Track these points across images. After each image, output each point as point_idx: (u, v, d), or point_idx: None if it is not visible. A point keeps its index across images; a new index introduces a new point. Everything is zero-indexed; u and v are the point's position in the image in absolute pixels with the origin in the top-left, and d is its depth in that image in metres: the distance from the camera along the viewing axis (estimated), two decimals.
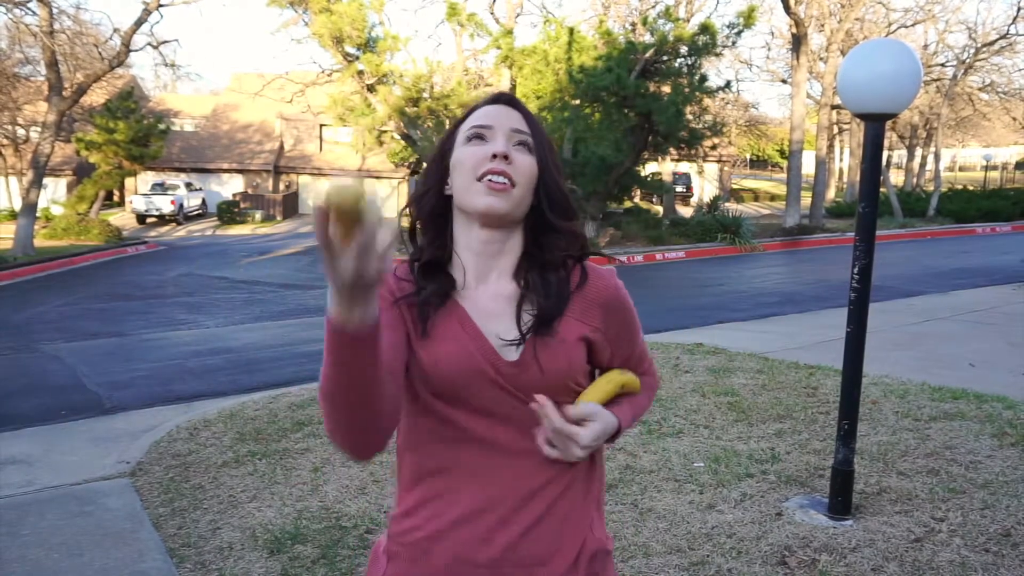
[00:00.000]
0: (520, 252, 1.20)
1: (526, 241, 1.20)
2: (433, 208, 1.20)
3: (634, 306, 1.28)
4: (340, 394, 0.95)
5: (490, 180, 1.13)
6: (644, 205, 25.64)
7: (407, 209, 1.25)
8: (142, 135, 23.14)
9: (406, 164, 31.91)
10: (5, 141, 25.87)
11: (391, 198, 34.39)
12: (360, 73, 18.62)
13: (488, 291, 1.18)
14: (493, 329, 1.15)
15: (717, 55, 18.12)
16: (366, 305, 0.88)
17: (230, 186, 33.25)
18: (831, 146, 33.54)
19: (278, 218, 31.52)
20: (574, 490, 1.18)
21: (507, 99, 1.21)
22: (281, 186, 34.06)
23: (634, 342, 1.28)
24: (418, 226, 1.24)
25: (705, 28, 16.90)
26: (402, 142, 21.99)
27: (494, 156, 1.13)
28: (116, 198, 32.82)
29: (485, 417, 1.14)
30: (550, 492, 1.16)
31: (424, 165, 1.20)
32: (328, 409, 0.98)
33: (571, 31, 17.84)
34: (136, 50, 23.33)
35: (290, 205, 32.96)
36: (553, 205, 1.18)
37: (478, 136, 1.17)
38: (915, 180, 35.34)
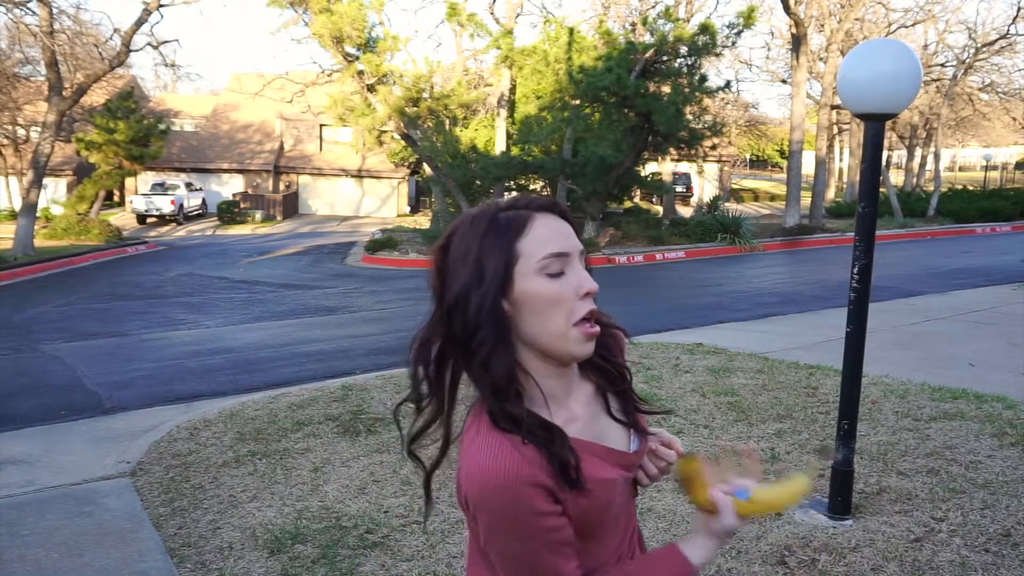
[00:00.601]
0: None
1: None
2: (511, 363, 1.00)
3: None
4: None
5: (588, 326, 1.00)
6: (644, 205, 25.67)
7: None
8: (142, 135, 23.14)
9: (406, 164, 31.96)
10: (5, 141, 25.88)
11: (391, 198, 34.42)
12: (360, 73, 18.62)
13: (579, 402, 1.09)
14: (605, 433, 1.10)
15: (717, 55, 18.11)
16: None
17: (230, 186, 33.25)
18: (831, 146, 33.55)
19: (278, 218, 31.52)
20: None
21: (560, 211, 1.04)
22: (281, 186, 34.06)
23: None
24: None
25: (705, 28, 16.89)
26: (402, 142, 21.99)
27: (587, 294, 0.99)
28: (116, 198, 32.83)
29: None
30: None
31: (463, 303, 0.99)
32: None
33: (571, 31, 17.84)
34: (136, 50, 23.33)
35: (290, 205, 32.96)
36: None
37: (559, 272, 0.99)
38: (915, 180, 35.34)
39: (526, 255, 0.98)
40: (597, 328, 1.01)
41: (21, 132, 26.40)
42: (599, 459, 1.06)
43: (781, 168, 45.44)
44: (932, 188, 28.08)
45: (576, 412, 1.06)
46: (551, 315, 0.98)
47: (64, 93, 18.23)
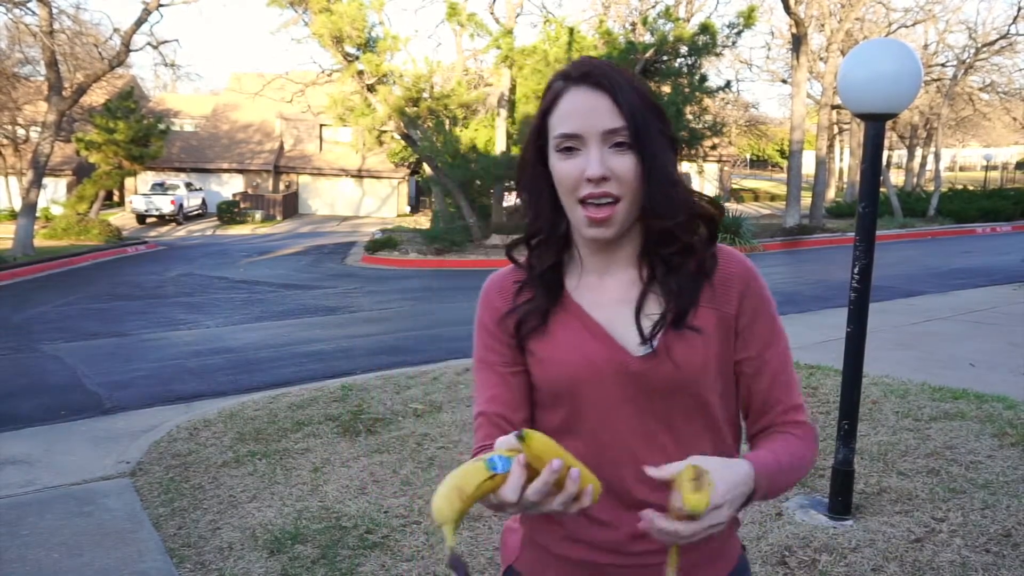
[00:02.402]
0: (641, 240, 1.10)
1: (648, 228, 1.08)
2: (551, 203, 1.09)
3: (773, 301, 1.14)
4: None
5: (590, 208, 1.03)
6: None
7: (523, 204, 1.15)
8: (142, 135, 23.15)
9: (406, 164, 31.95)
10: (5, 141, 25.88)
11: (391, 198, 34.42)
12: (360, 73, 18.62)
13: (611, 283, 1.10)
14: (619, 323, 1.07)
15: (717, 55, 18.12)
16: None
17: (230, 186, 33.25)
18: (831, 146, 33.55)
19: (278, 218, 31.52)
20: None
21: (593, 79, 1.02)
22: (281, 186, 34.07)
23: (768, 342, 1.12)
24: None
25: (705, 28, 16.90)
26: (402, 142, 22.00)
27: (588, 179, 1.01)
28: (116, 198, 32.84)
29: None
30: None
31: (518, 166, 1.14)
32: None
33: (571, 31, 17.84)
34: (136, 50, 23.33)
35: (290, 205, 32.96)
36: (659, 206, 1.04)
37: (568, 148, 1.03)
38: (915, 180, 35.33)
39: (551, 129, 1.06)
40: (600, 214, 1.02)
41: (21, 132, 26.40)
42: (590, 335, 1.08)
43: (781, 168, 45.44)
44: (932, 188, 28.07)
45: (606, 290, 1.10)
46: (564, 192, 1.05)
47: (64, 93, 18.22)
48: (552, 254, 1.11)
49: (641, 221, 1.08)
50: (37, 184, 18.23)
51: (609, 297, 1.09)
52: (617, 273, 1.10)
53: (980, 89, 30.85)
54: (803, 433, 1.12)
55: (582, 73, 1.03)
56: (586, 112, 1.02)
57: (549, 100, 1.06)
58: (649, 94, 1.05)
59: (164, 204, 28.61)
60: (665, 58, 17.30)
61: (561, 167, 1.04)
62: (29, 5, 17.44)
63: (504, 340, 1.12)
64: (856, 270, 3.25)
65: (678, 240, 1.07)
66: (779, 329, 1.14)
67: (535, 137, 1.08)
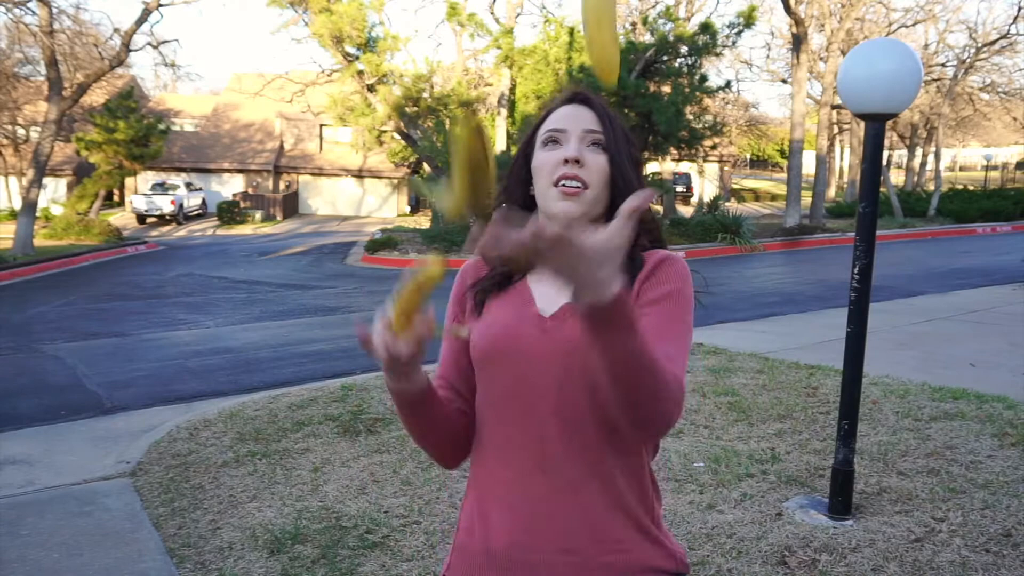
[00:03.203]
0: None
1: None
2: (523, 204, 1.25)
3: (689, 297, 1.16)
4: (410, 430, 1.18)
5: (563, 185, 1.16)
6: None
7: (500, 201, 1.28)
8: (142, 135, 23.14)
9: (406, 164, 31.96)
10: (5, 141, 25.88)
11: (391, 197, 34.42)
12: (360, 73, 18.63)
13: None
14: (551, 303, 1.18)
15: (717, 55, 18.12)
16: (410, 378, 1.06)
17: (230, 186, 33.25)
18: (831, 145, 33.56)
19: (278, 218, 31.51)
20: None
21: (582, 98, 1.23)
22: (281, 186, 34.07)
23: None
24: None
25: (705, 28, 16.91)
26: (402, 142, 22.01)
27: (566, 161, 1.16)
28: (116, 198, 32.84)
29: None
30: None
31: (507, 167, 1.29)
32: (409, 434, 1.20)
33: (571, 31, 17.85)
34: (136, 50, 23.35)
35: (290, 205, 32.96)
36: (623, 200, 1.13)
37: (553, 140, 1.20)
38: (915, 180, 35.33)
39: (539, 134, 1.23)
40: (573, 187, 1.16)
41: (21, 132, 26.40)
42: (523, 306, 1.19)
43: (781, 168, 45.43)
44: (933, 188, 28.07)
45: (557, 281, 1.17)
46: (541, 178, 1.19)
47: (64, 93, 18.23)
48: None
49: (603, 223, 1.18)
50: (37, 183, 18.23)
51: (555, 283, 1.14)
52: None
53: (980, 89, 30.86)
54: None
55: (574, 94, 1.25)
56: (573, 116, 1.21)
57: (544, 114, 1.26)
58: (625, 125, 1.25)
59: (164, 204, 28.61)
60: (665, 58, 17.30)
61: (543, 155, 1.20)
62: (29, 5, 17.45)
63: (464, 311, 1.27)
64: (856, 270, 3.25)
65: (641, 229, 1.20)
66: (679, 331, 1.11)
67: (525, 144, 1.26)
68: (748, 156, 51.50)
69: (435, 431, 1.17)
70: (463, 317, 1.26)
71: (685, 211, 28.16)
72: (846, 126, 34.90)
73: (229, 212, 29.43)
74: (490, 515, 1.18)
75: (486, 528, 1.18)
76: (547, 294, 1.19)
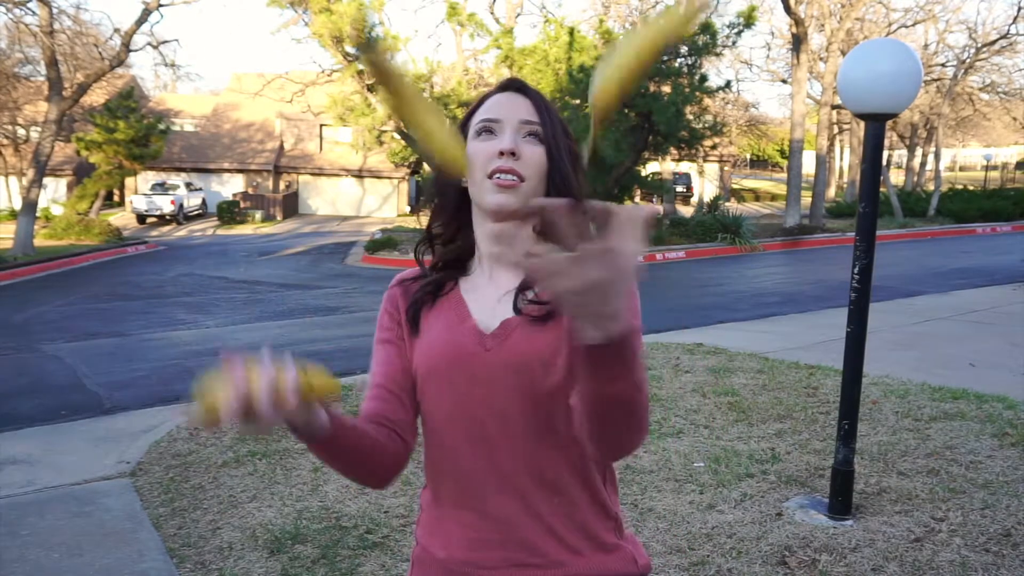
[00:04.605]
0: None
1: None
2: (456, 201, 1.18)
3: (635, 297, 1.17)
4: (331, 464, 1.09)
5: (498, 178, 1.10)
6: (644, 205, 25.58)
7: (428, 203, 1.23)
8: (142, 135, 23.14)
9: (406, 164, 31.93)
10: (5, 141, 25.87)
11: (392, 197, 34.42)
12: (360, 73, 18.62)
13: (497, 283, 1.16)
14: (489, 316, 1.13)
15: (717, 55, 18.10)
16: (305, 427, 0.98)
17: (230, 186, 33.24)
18: (831, 145, 33.54)
19: (278, 218, 31.51)
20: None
21: (517, 86, 1.17)
22: (281, 186, 34.06)
23: None
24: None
25: (705, 27, 16.88)
26: (402, 142, 21.99)
27: (501, 153, 1.10)
28: (116, 198, 32.83)
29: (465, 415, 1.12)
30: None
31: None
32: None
33: (571, 31, 17.84)
34: (136, 50, 23.37)
35: (290, 205, 32.95)
36: (562, 195, 1.12)
37: (487, 130, 1.13)
38: (915, 180, 35.33)
39: (472, 123, 1.15)
40: (508, 180, 1.10)
41: (21, 132, 26.40)
42: (458, 321, 1.15)
43: (781, 168, 45.43)
44: (932, 188, 28.07)
45: (491, 287, 1.16)
46: (475, 169, 1.11)
47: (64, 93, 18.22)
48: (454, 252, 1.20)
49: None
50: (37, 183, 18.23)
51: (490, 293, 1.16)
52: (505, 274, 1.16)
53: (980, 89, 30.85)
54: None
55: (508, 83, 1.18)
56: (507, 105, 1.14)
57: (476, 104, 1.18)
58: (561, 116, 1.18)
59: (164, 204, 28.60)
60: (665, 58, 17.27)
61: (475, 145, 1.12)
62: (29, 5, 17.46)
63: (402, 333, 1.20)
64: (856, 270, 3.25)
65: None
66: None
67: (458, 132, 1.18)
68: (748, 156, 51.51)
69: (361, 464, 1.10)
70: (402, 339, 1.19)
71: (685, 211, 28.16)
72: (846, 126, 34.90)
73: (229, 212, 29.42)
74: (447, 530, 1.17)
75: (444, 541, 1.16)
76: (483, 307, 1.15)
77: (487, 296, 1.16)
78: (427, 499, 1.22)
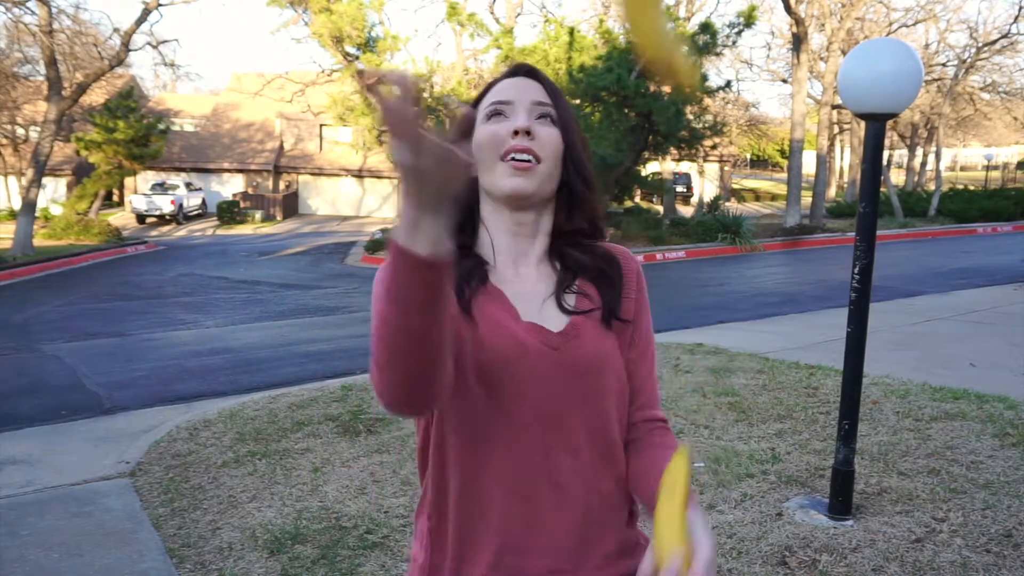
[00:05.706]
0: (550, 232, 1.14)
1: (557, 219, 1.13)
2: (465, 198, 1.10)
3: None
4: (406, 323, 0.83)
5: (514, 159, 1.06)
6: (644, 205, 25.63)
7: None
8: (142, 134, 23.14)
9: None
10: (5, 141, 25.86)
11: (392, 197, 34.38)
12: (360, 73, 18.62)
13: (528, 275, 1.12)
14: (536, 314, 1.09)
15: (717, 55, 18.10)
16: (440, 223, 0.80)
17: (230, 186, 33.23)
18: (832, 145, 33.54)
19: (278, 218, 31.50)
20: None
21: (527, 70, 1.13)
22: (281, 186, 34.05)
23: (649, 337, 1.17)
24: None
25: (705, 28, 16.88)
26: None
27: (516, 132, 1.06)
28: (116, 198, 32.82)
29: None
30: None
31: None
32: (381, 353, 0.88)
33: (571, 31, 17.84)
34: (136, 49, 23.34)
35: (290, 205, 32.95)
36: (581, 178, 1.11)
37: (498, 113, 1.09)
38: (916, 180, 35.32)
39: (481, 108, 1.11)
40: (525, 163, 1.05)
41: (21, 132, 26.39)
42: (511, 318, 1.07)
43: (782, 168, 45.42)
44: (933, 188, 28.07)
45: (524, 281, 1.11)
46: (486, 153, 1.07)
47: (64, 92, 18.22)
48: (460, 235, 1.10)
49: (555, 207, 1.12)
50: (37, 183, 18.22)
51: (525, 289, 1.11)
52: (535, 265, 1.13)
53: (981, 89, 30.85)
54: (670, 440, 1.15)
55: (519, 67, 1.14)
56: (519, 87, 1.11)
57: (485, 89, 1.14)
58: (572, 110, 1.14)
59: (164, 204, 28.60)
60: None
61: (487, 128, 1.08)
62: (29, 4, 17.44)
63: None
64: (856, 270, 3.24)
65: (587, 220, 1.13)
66: (651, 327, 1.19)
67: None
68: (748, 156, 51.50)
69: (437, 344, 0.86)
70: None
71: (685, 211, 28.16)
72: (846, 126, 34.89)
73: (229, 212, 29.42)
74: (475, 538, 1.08)
75: (469, 551, 1.08)
76: (528, 305, 1.09)
77: (523, 292, 1.10)
78: (450, 503, 1.10)
